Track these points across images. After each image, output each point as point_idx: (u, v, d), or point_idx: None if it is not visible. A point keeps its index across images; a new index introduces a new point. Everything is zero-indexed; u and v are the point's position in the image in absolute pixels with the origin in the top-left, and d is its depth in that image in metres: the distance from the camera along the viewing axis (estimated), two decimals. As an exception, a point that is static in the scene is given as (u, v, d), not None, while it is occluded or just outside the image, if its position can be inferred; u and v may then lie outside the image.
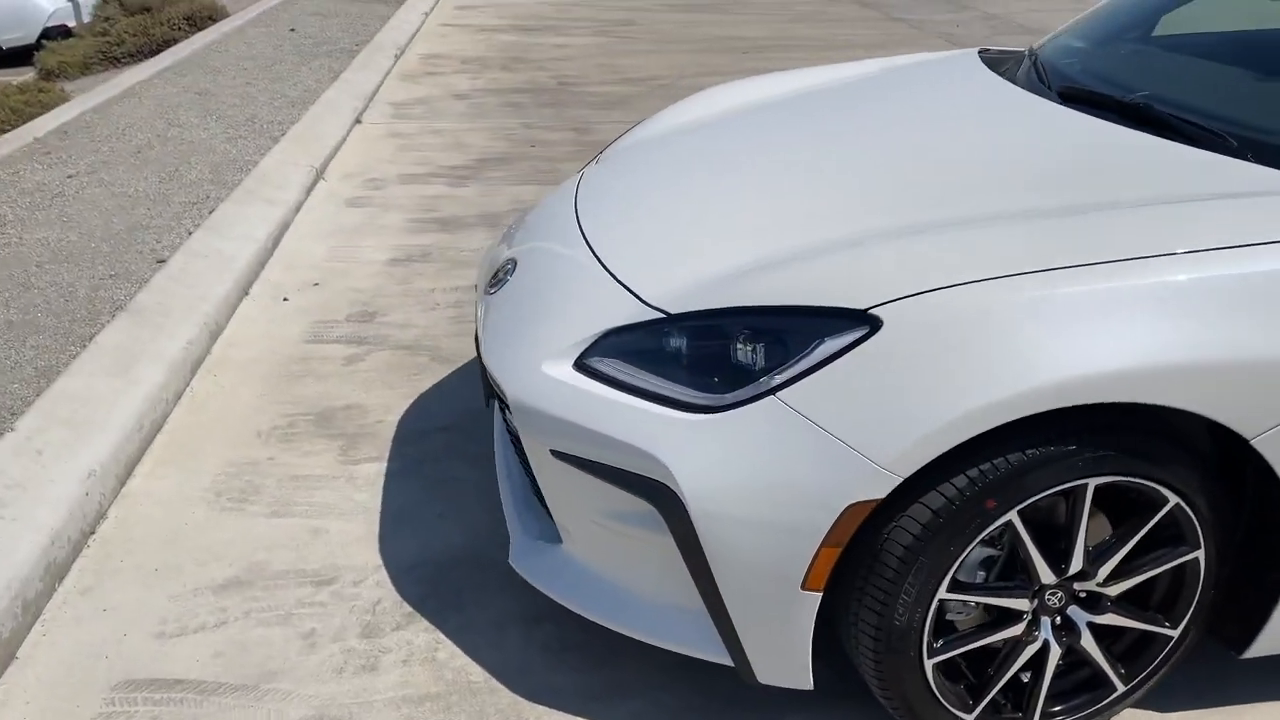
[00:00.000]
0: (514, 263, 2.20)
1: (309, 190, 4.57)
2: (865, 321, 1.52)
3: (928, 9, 9.93)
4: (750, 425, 1.55)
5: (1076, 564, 1.59)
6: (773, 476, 1.52)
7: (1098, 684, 1.72)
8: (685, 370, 1.68)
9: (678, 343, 1.72)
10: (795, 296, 1.62)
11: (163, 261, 3.47)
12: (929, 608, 1.56)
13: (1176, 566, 1.63)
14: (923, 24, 9.15)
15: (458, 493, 2.48)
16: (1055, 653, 1.66)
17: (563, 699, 1.89)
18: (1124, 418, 1.50)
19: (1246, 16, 2.67)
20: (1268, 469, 1.52)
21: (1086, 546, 1.58)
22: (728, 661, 1.69)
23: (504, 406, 2.03)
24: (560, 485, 1.79)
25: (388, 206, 4.45)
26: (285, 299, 3.54)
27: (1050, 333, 1.45)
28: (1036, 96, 2.26)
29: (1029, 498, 1.50)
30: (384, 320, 3.39)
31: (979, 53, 2.76)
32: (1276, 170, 1.73)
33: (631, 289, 1.84)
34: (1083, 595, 1.64)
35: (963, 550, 1.52)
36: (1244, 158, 1.79)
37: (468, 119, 5.93)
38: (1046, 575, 1.59)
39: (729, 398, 1.58)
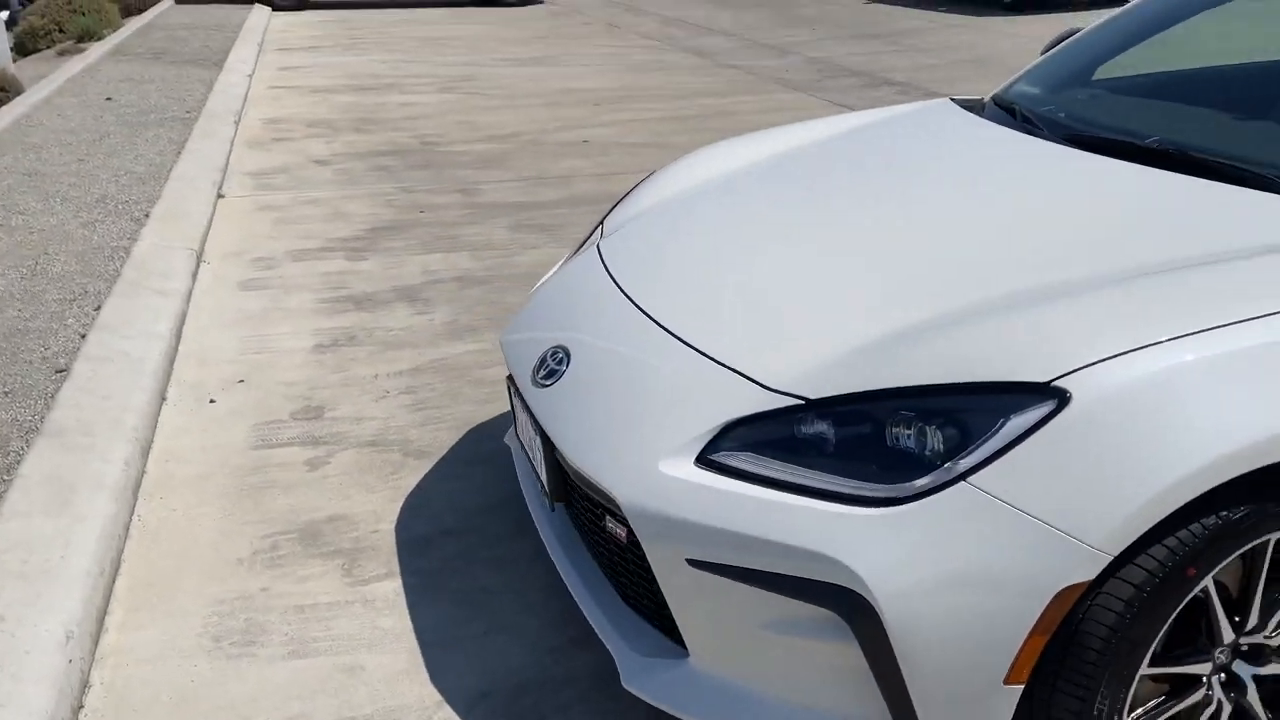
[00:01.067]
0: (565, 351, 2.02)
1: (193, 275, 4.17)
2: (1052, 395, 1.46)
3: (751, 55, 10.27)
4: (941, 515, 1.45)
5: (1253, 620, 1.58)
6: (972, 568, 1.43)
7: (1250, 733, 1.71)
8: (836, 461, 1.57)
9: (821, 430, 1.60)
10: (957, 373, 1.54)
11: (63, 371, 3.04)
12: (1131, 687, 1.50)
13: (1327, 608, 1.65)
14: (754, 69, 9.45)
15: (495, 605, 2.25)
16: (1226, 711, 1.64)
17: (708, 831, 1.71)
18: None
19: (1206, 52, 2.84)
20: None
21: (1260, 600, 1.57)
22: (906, 767, 1.58)
23: (588, 509, 1.86)
24: (697, 597, 1.63)
25: (288, 288, 4.11)
26: (212, 400, 3.17)
27: (1238, 390, 1.43)
28: (1063, 145, 2.29)
29: (1223, 560, 1.48)
30: (334, 415, 3.09)
31: (961, 102, 2.81)
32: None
33: (745, 374, 1.71)
34: (1245, 649, 1.63)
35: (1164, 623, 1.48)
36: (1296, 196, 1.86)
37: (339, 186, 5.60)
38: (1228, 635, 1.57)
39: (912, 487, 1.48)
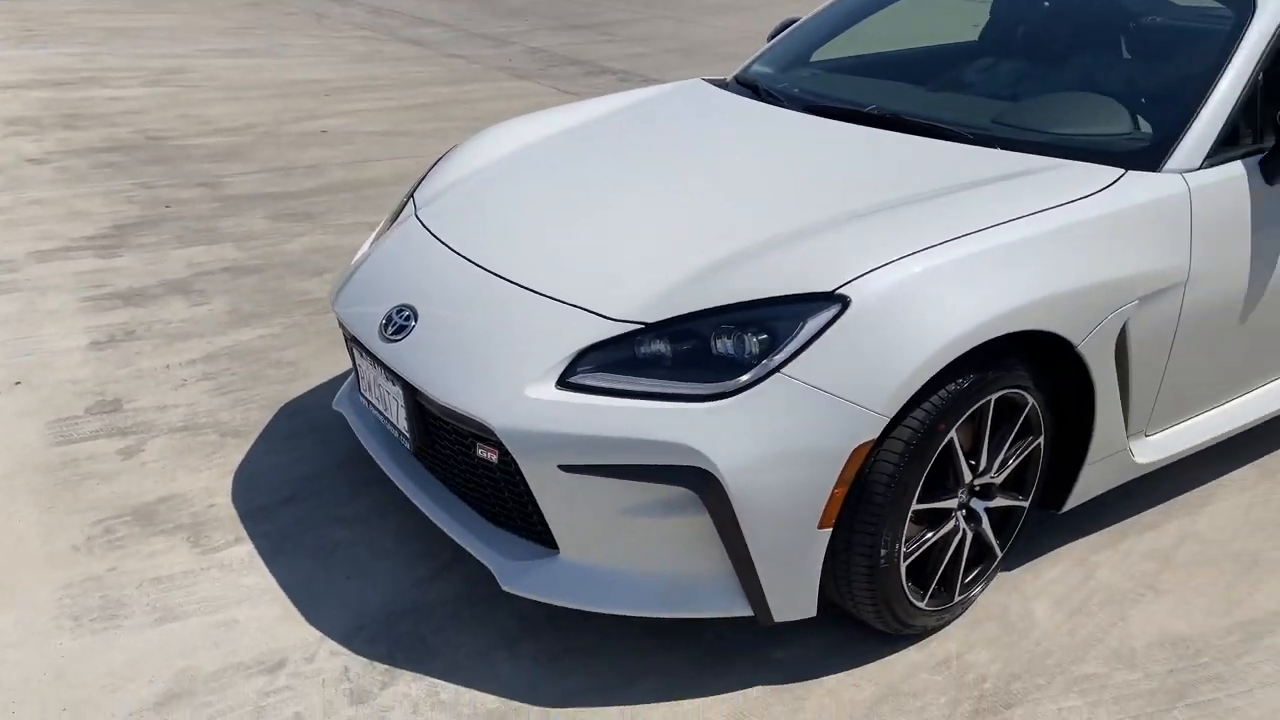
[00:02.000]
0: (410, 308, 2.23)
1: (-75, 282, 3.88)
2: (837, 300, 1.87)
3: (471, 46, 10.46)
4: (763, 402, 1.83)
5: (983, 463, 2.09)
6: (790, 440, 1.82)
7: (985, 554, 2.23)
8: (675, 370, 1.91)
9: (659, 348, 1.94)
10: (763, 291, 1.92)
11: None
12: (905, 521, 1.95)
13: (1030, 452, 2.19)
14: (477, 58, 9.66)
15: (352, 554, 2.42)
16: (968, 537, 2.15)
17: (589, 696, 2.01)
18: (1006, 344, 2.02)
19: (886, 38, 3.43)
20: (1081, 365, 2.12)
21: (987, 449, 2.08)
22: (747, 612, 1.95)
23: (455, 443, 2.09)
24: (567, 497, 1.92)
25: (41, 289, 3.92)
26: (-9, 404, 3.05)
27: (971, 284, 1.91)
28: (803, 114, 2.76)
29: (961, 416, 1.96)
30: (135, 406, 3.07)
31: (710, 81, 3.24)
32: (1004, 150, 2.38)
33: (591, 309, 2.02)
34: (979, 489, 2.15)
35: (926, 468, 1.94)
36: (982, 144, 2.42)
37: (65, 185, 5.29)
38: (968, 477, 2.07)
39: (738, 383, 1.85)
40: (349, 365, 3.32)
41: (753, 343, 1.89)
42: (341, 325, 2.45)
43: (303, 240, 4.52)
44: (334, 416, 3.01)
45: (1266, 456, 2.87)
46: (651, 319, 1.96)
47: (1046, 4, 3.11)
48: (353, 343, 2.39)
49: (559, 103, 7.57)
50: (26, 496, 2.61)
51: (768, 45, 3.46)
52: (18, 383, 3.19)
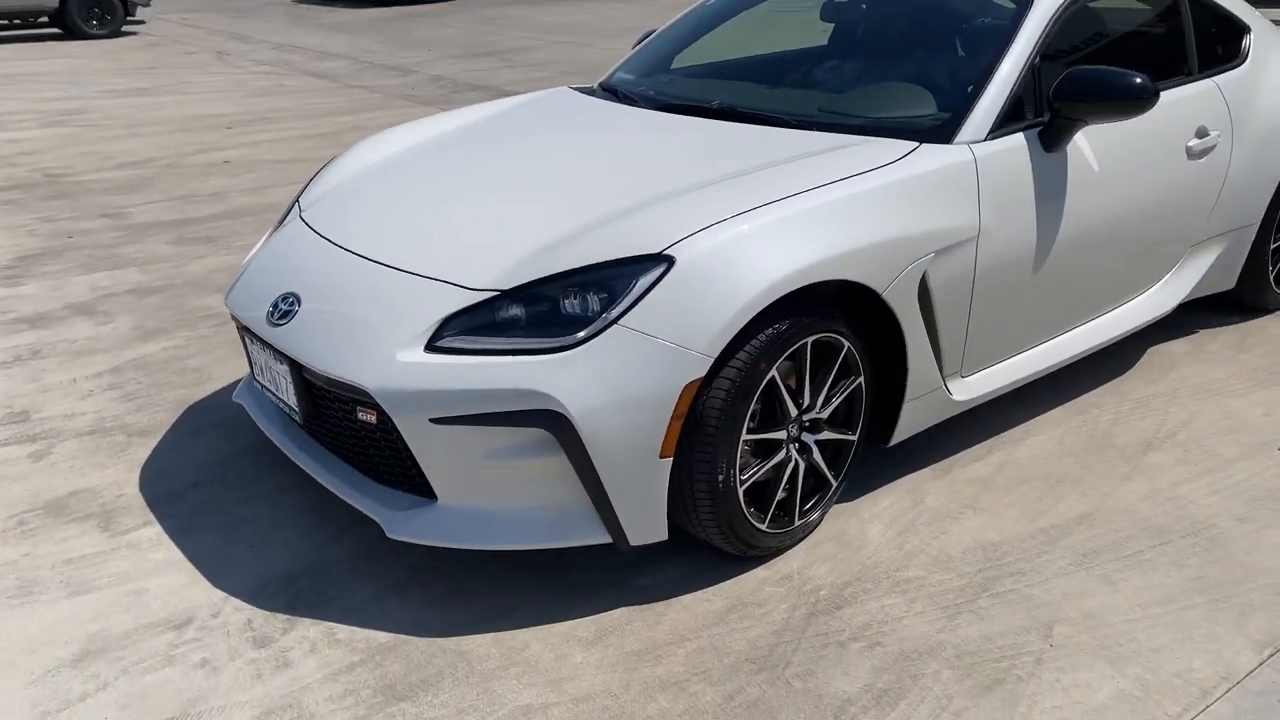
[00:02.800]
0: (294, 295, 2.47)
1: None
2: (664, 260, 2.16)
3: (375, 76, 10.66)
4: (606, 350, 2.11)
5: (807, 400, 2.39)
6: (629, 381, 2.10)
7: (822, 484, 2.54)
8: (529, 329, 2.18)
9: (516, 311, 2.21)
10: (602, 255, 2.21)
11: None
12: (738, 449, 2.24)
13: (852, 391, 2.50)
14: (380, 88, 9.87)
15: (253, 527, 2.63)
16: (801, 467, 2.45)
17: (470, 627, 2.25)
18: (819, 293, 2.33)
19: (739, 46, 3.77)
20: (890, 312, 2.44)
21: (809, 387, 2.39)
22: (606, 539, 2.22)
23: (338, 409, 2.33)
24: (440, 447, 2.17)
25: (-54, 317, 4.04)
26: (-100, 421, 3.18)
27: (780, 242, 2.22)
28: (654, 111, 3.08)
29: (779, 357, 2.26)
30: (43, 416, 3.23)
31: (576, 89, 3.53)
32: (824, 133, 2.71)
33: (453, 282, 2.28)
34: (807, 424, 2.45)
35: (751, 402, 2.23)
36: (807, 128, 2.75)
37: (-34, 222, 5.38)
38: (793, 412, 2.37)
39: (583, 334, 2.12)
40: (247, 370, 3.52)
41: (594, 300, 2.17)
42: (234, 320, 2.67)
43: (205, 261, 4.70)
44: (237, 413, 3.21)
45: (1082, 395, 3.24)
46: (507, 286, 2.23)
47: (864, 6, 3.48)
48: (245, 333, 2.60)
49: (458, 126, 7.83)
50: (-60, 499, 2.76)
51: (630, 53, 3.77)
52: (-74, 402, 3.32)
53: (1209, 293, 3.55)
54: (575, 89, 3.56)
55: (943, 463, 2.88)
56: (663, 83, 3.49)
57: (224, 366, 3.57)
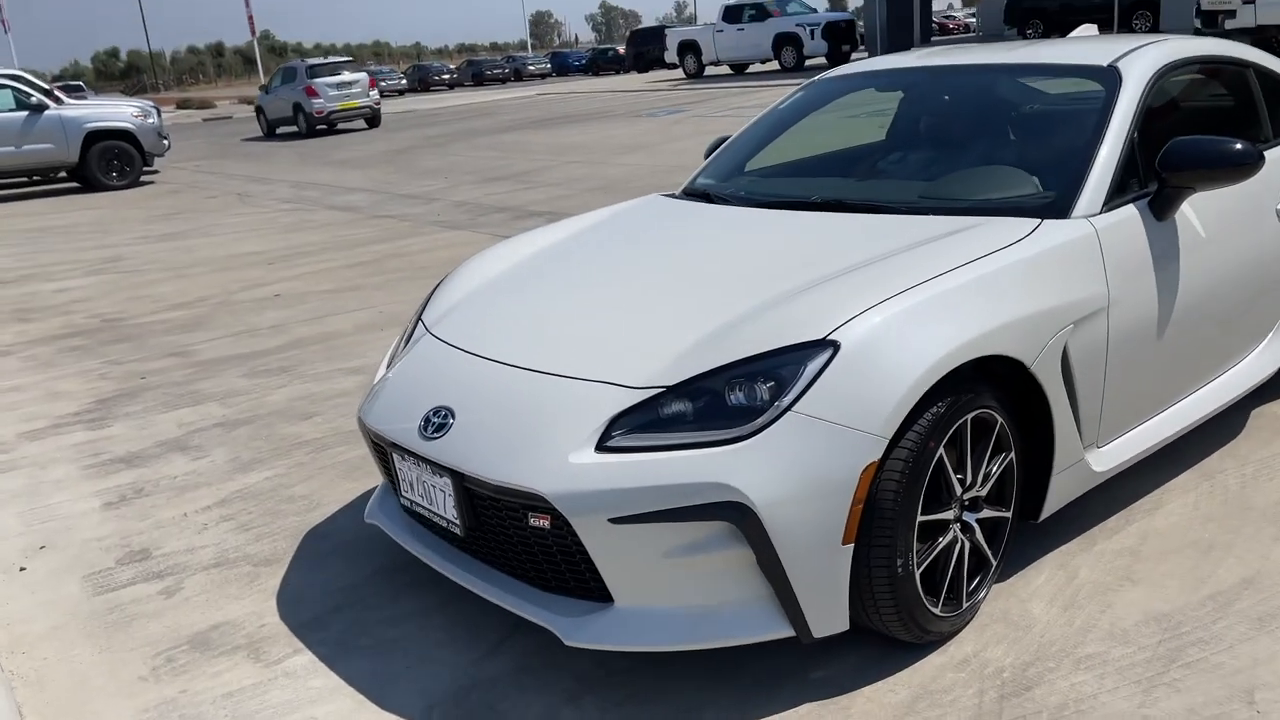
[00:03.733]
0: (446, 409, 2.48)
1: (-77, 470, 3.97)
2: (829, 345, 2.19)
3: (398, 206, 10.92)
4: (782, 438, 2.11)
5: (969, 477, 2.39)
6: (809, 467, 2.10)
7: (983, 564, 2.51)
8: (698, 423, 2.19)
9: (681, 406, 2.22)
10: (765, 345, 2.24)
11: None
12: (914, 531, 2.23)
13: (1005, 467, 2.50)
14: (407, 216, 10.09)
15: (407, 647, 2.58)
16: (967, 547, 2.43)
17: (658, 733, 2.19)
18: (974, 372, 2.35)
19: (812, 145, 3.89)
20: (1036, 385, 2.46)
21: (970, 465, 2.39)
22: (789, 632, 2.18)
23: (507, 517, 2.32)
24: (618, 548, 2.16)
25: (42, 464, 4.04)
26: (21, 569, 3.15)
27: (936, 321, 2.26)
28: (758, 209, 3.16)
29: (944, 436, 2.27)
30: (164, 552, 3.20)
31: (664, 195, 3.63)
32: (936, 216, 2.78)
33: (611, 381, 2.30)
34: (968, 502, 2.44)
35: (924, 482, 2.23)
36: (920, 213, 2.82)
37: (35, 371, 5.43)
38: (958, 490, 2.36)
39: (756, 425, 2.13)
40: (360, 492, 3.51)
41: (763, 390, 2.18)
42: (375, 438, 2.67)
43: (284, 391, 4.73)
44: (358, 536, 3.18)
45: (1203, 460, 3.23)
46: (671, 382, 2.25)
47: (947, 98, 3.60)
48: (391, 449, 2.61)
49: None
50: (82, 642, 2.72)
51: (706, 161, 3.88)
52: (42, 547, 3.30)
53: (1305, 351, 3.57)
54: (665, 195, 3.66)
55: (1084, 536, 2.86)
56: (746, 184, 3.59)
57: (331, 491, 3.56)
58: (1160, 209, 2.82)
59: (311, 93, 22.59)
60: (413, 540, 2.67)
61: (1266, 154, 3.29)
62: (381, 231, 9.31)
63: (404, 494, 2.63)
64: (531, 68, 52.71)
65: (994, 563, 2.53)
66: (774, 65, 28.09)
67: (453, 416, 2.45)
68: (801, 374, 2.17)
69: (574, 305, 2.72)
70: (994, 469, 2.46)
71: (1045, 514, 2.65)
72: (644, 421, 2.23)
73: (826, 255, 2.64)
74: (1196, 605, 2.49)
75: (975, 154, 3.24)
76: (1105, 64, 3.10)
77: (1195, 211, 2.94)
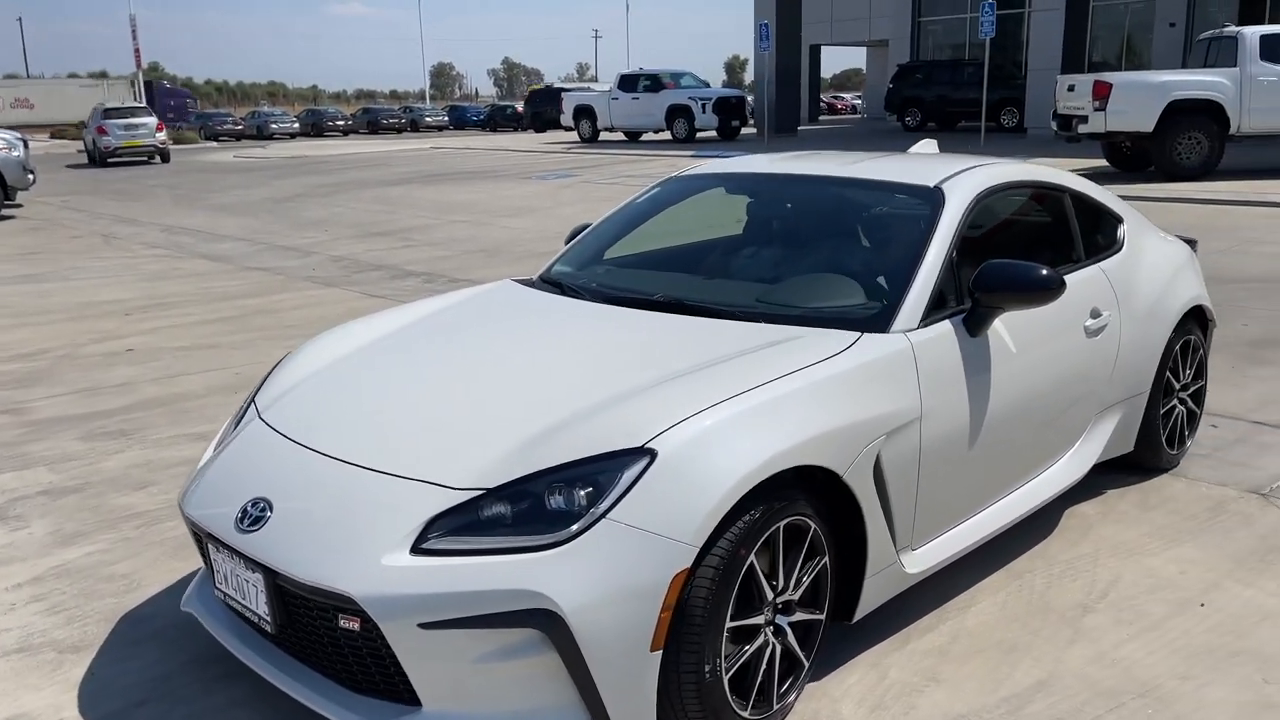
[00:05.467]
0: (265, 500, 2.44)
1: None
2: (647, 453, 2.25)
3: (273, 258, 10.70)
4: (595, 545, 2.15)
5: (781, 582, 2.47)
6: (620, 574, 2.14)
7: (795, 666, 2.58)
8: (516, 527, 2.21)
9: (501, 509, 2.24)
10: (585, 450, 2.28)
11: None
12: (723, 638, 2.29)
13: (819, 571, 2.59)
14: (280, 270, 9.89)
15: (211, 745, 2.49)
16: (778, 650, 2.50)
17: (460, 841, 2.16)
18: (784, 479, 2.44)
19: (663, 238, 4.00)
20: (850, 493, 2.57)
21: (782, 570, 2.47)
22: (596, 738, 2.20)
23: (317, 617, 2.28)
24: (427, 653, 2.15)
25: None
26: None
27: (753, 431, 2.35)
28: (602, 305, 3.22)
29: (756, 543, 2.35)
30: (-39, 634, 3.02)
31: (517, 280, 3.67)
32: (769, 324, 2.90)
33: (433, 481, 2.31)
34: (780, 606, 2.51)
35: (734, 589, 2.30)
36: (751, 319, 2.93)
37: None
38: (769, 596, 2.44)
39: (572, 530, 2.17)
40: (186, 572, 3.40)
41: (580, 496, 2.23)
42: (193, 525, 2.61)
43: (121, 457, 4.55)
44: (176, 621, 3.07)
45: (1014, 561, 3.40)
46: (491, 484, 2.27)
47: (789, 206, 3.77)
48: (208, 540, 2.54)
49: (368, 307, 7.89)
50: None
51: (566, 247, 3.96)
52: None
53: (1113, 455, 3.83)
54: (518, 281, 3.71)
55: (899, 634, 2.97)
56: (601, 275, 3.67)
57: (155, 571, 3.43)
58: (973, 326, 3.00)
59: (102, 131, 27.15)
60: (226, 633, 2.60)
61: (1078, 274, 3.55)
62: (252, 285, 9.10)
63: (218, 585, 2.57)
64: (429, 119, 52.59)
65: (806, 664, 2.61)
66: (666, 135, 28.75)
67: (270, 509, 2.41)
68: (618, 481, 2.22)
69: (407, 398, 2.72)
70: (807, 574, 2.55)
71: (858, 616, 2.74)
72: (462, 524, 2.24)
73: (660, 358, 2.72)
74: (993, 707, 2.61)
75: (809, 262, 3.40)
76: (931, 185, 3.30)
77: (1007, 328, 3.14)
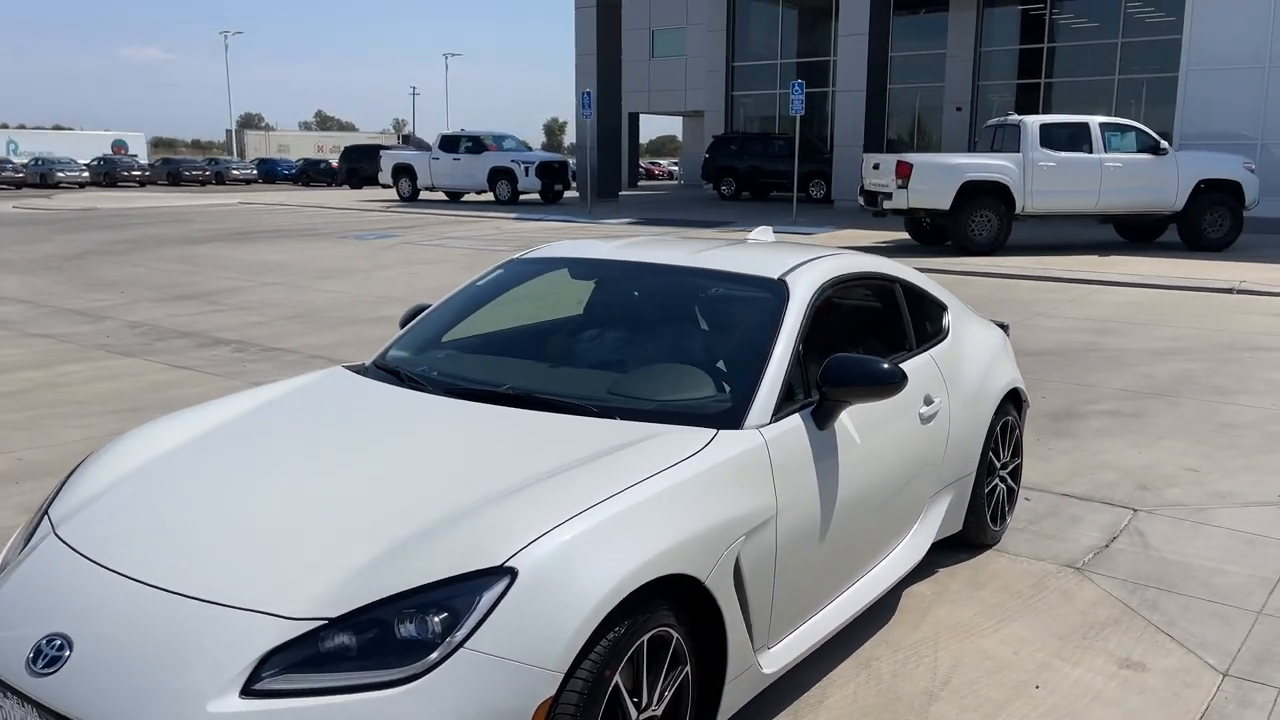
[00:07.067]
0: (63, 637, 2.14)
1: None
2: (506, 572, 2.11)
3: (61, 323, 9.84)
4: (452, 678, 1.98)
5: (644, 699, 2.36)
6: (480, 707, 1.98)
7: (655, 790, 2.47)
8: (363, 659, 2.02)
9: (344, 639, 2.04)
10: (438, 571, 2.11)
11: None
12: (588, 765, 2.15)
13: (681, 681, 2.50)
14: (69, 336, 9.10)
15: None
16: (644, 772, 2.38)
17: None
18: (650, 590, 2.34)
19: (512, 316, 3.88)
20: (709, 598, 2.50)
21: (645, 686, 2.36)
22: None
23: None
24: (262, 814, 1.91)
25: None
26: None
27: (614, 542, 2.24)
28: (444, 397, 3.05)
29: (622, 660, 2.23)
30: None
31: (350, 368, 3.45)
32: (620, 421, 2.82)
33: (267, 611, 2.08)
34: (642, 723, 2.40)
35: (599, 713, 2.17)
36: (610, 417, 2.85)
37: None
38: (634, 715, 2.32)
39: (427, 663, 1.99)
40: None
41: (435, 623, 2.06)
42: (-31, 666, 2.25)
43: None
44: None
45: (860, 648, 3.43)
46: (333, 613, 2.07)
47: (636, 294, 3.74)
48: (-14, 685, 2.20)
49: (172, 380, 7.33)
50: None
51: (402, 331, 3.77)
52: None
53: (944, 535, 3.95)
54: (350, 369, 3.49)
55: (755, 736, 2.91)
56: (441, 360, 3.51)
57: (-82, 705, 2.96)
58: (821, 419, 3.02)
59: None
60: (11, 790, 2.24)
61: (911, 362, 3.67)
62: (36, 354, 8.30)
63: (0, 738, 2.22)
64: (236, 172, 50.52)
65: (667, 782, 2.50)
66: (489, 196, 28.64)
67: (70, 648, 2.11)
68: (475, 605, 2.07)
69: (231, 511, 2.47)
70: (669, 687, 2.45)
71: (718, 726, 2.67)
72: (301, 658, 2.02)
73: (512, 462, 2.59)
74: (854, 812, 2.58)
75: (658, 352, 3.36)
76: (775, 277, 3.34)
77: (850, 417, 3.19)
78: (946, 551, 4.20)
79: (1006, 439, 4.35)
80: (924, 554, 3.65)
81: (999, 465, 4.28)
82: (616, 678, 2.23)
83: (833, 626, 3.10)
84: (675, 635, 2.43)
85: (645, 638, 2.32)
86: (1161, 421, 6.32)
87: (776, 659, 2.86)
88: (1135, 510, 4.75)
